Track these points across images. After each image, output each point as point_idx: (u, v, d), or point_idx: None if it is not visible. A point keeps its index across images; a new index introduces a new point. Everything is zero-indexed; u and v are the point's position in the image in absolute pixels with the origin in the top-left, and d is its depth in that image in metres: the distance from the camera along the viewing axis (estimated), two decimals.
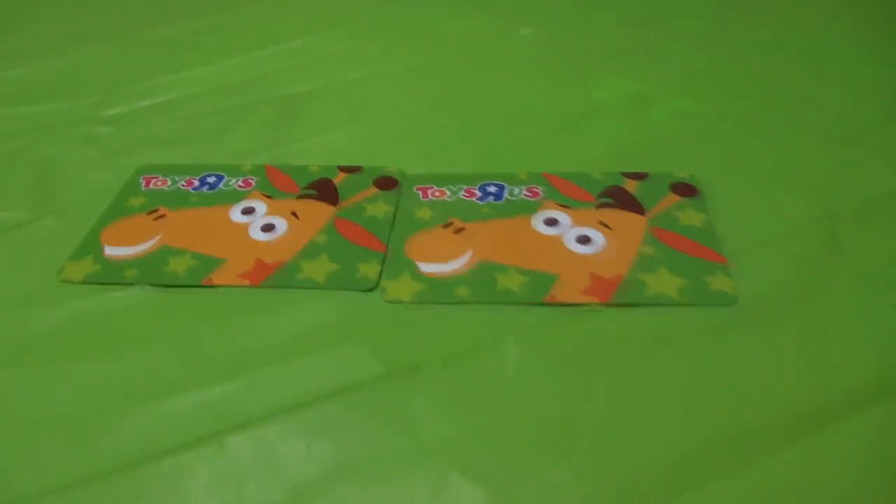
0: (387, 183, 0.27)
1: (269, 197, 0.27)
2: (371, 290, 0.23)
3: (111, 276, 0.24)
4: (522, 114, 0.31)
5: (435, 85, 0.34)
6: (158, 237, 0.25)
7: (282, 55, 0.38)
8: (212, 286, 0.23)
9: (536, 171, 0.27)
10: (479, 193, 0.26)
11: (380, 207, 0.26)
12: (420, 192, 0.26)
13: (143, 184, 0.28)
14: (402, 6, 0.42)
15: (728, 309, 0.21)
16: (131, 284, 0.23)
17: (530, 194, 0.26)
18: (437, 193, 0.26)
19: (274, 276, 0.23)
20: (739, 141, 0.28)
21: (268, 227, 0.26)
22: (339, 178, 0.28)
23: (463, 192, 0.26)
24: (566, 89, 0.33)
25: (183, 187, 0.28)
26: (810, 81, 0.31)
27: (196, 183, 0.28)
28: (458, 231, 0.24)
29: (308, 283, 0.23)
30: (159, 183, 0.28)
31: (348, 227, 0.25)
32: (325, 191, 0.27)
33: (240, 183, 0.28)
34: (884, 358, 0.19)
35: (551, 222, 0.25)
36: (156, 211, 0.27)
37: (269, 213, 0.26)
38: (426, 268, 0.23)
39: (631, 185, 0.26)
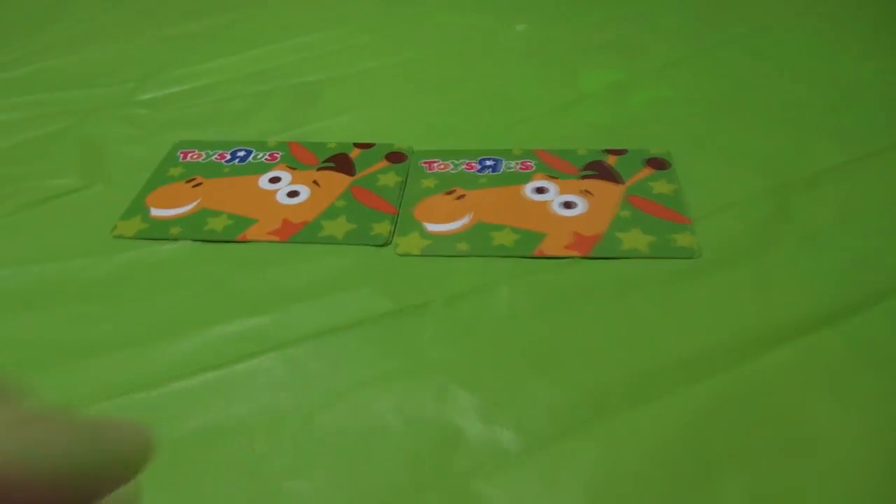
0: (397, 157, 0.31)
1: (292, 168, 0.31)
2: (384, 245, 0.26)
3: (158, 232, 0.27)
4: (516, 99, 0.35)
5: (437, 74, 0.38)
6: (198, 201, 0.29)
7: (296, 48, 0.41)
8: (245, 241, 0.27)
9: (528, 147, 0.31)
10: (477, 166, 0.30)
11: (391, 177, 0.30)
12: (426, 166, 0.30)
13: (181, 157, 0.32)
14: (407, 4, 0.46)
15: (690, 262, 0.24)
16: (175, 240, 0.27)
17: (522, 167, 0.29)
18: (441, 166, 0.30)
19: (299, 233, 0.27)
20: (707, 123, 0.32)
21: (293, 193, 0.29)
22: (354, 154, 0.31)
23: (464, 166, 0.30)
24: (555, 78, 0.36)
25: (216, 160, 0.31)
26: (775, 72, 0.35)
27: (228, 156, 0.31)
28: (460, 197, 0.28)
29: (329, 239, 0.27)
30: (195, 156, 0.32)
31: (363, 193, 0.29)
32: (342, 163, 0.31)
33: (266, 157, 0.31)
34: (820, 299, 0.23)
35: (541, 190, 0.28)
36: (193, 179, 0.30)
37: (293, 182, 0.30)
38: (432, 227, 0.27)
39: (611, 160, 0.30)
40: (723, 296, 0.23)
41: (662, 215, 0.26)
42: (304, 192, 0.29)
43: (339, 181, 0.30)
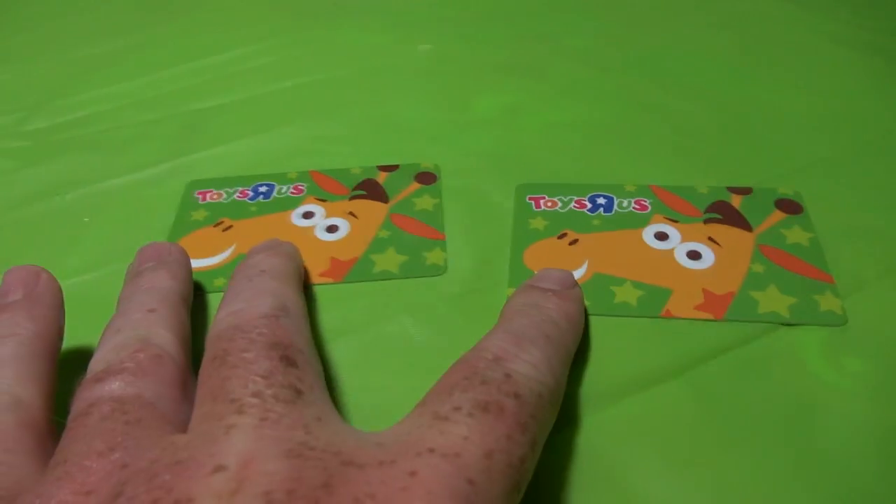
0: (427, 178, 0.30)
1: (322, 200, 0.29)
2: (440, 275, 0.25)
3: (202, 286, 0.26)
4: (407, 121, 0.34)
5: (334, 97, 0.36)
6: (233, 247, 0.27)
7: (196, 71, 0.39)
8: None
9: (642, 183, 0.28)
10: (588, 204, 0.28)
11: (427, 201, 0.28)
12: (532, 202, 0.28)
13: (200, 198, 0.30)
14: (316, 24, 0.44)
15: None
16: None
17: (638, 207, 0.27)
18: (549, 204, 0.28)
19: (352, 272, 0.26)
20: (597, 147, 0.31)
21: (332, 228, 0.28)
22: (381, 178, 0.30)
23: (573, 204, 0.28)
24: (448, 100, 0.35)
25: (238, 198, 0.30)
26: (668, 94, 0.34)
27: (250, 193, 0.30)
28: (573, 242, 0.26)
29: (384, 274, 0.25)
30: (214, 196, 0.30)
31: (404, 220, 0.28)
32: (373, 190, 0.29)
33: (291, 190, 0.30)
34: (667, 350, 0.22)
35: (661, 236, 0.26)
36: (221, 223, 0.29)
37: (328, 215, 0.28)
38: None
39: (736, 201, 0.27)
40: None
41: (801, 271, 0.24)
42: (343, 225, 0.28)
43: (376, 210, 0.28)
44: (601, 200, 0.28)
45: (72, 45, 0.44)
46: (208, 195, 0.30)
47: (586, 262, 0.25)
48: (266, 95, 0.37)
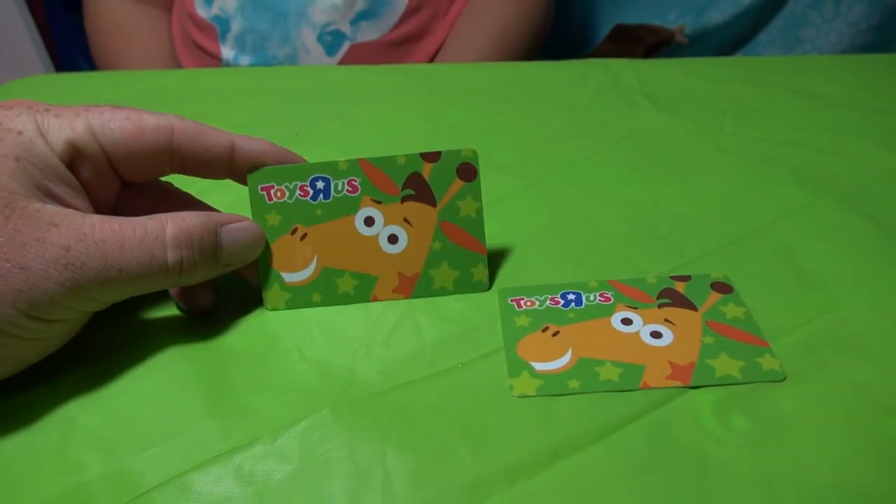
0: (468, 173, 0.32)
1: (377, 202, 0.32)
2: (485, 291, 0.31)
3: (301, 301, 0.31)
4: None
5: None
6: (315, 259, 0.32)
7: None
8: (377, 301, 0.31)
9: (600, 279, 0.34)
10: (561, 301, 0.33)
11: (470, 205, 0.32)
12: (515, 303, 0.33)
13: (266, 196, 0.32)
14: None
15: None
16: (317, 306, 0.31)
17: (602, 299, 0.32)
18: (529, 303, 0.33)
19: (417, 288, 0.31)
20: (524, 254, 0.36)
21: (392, 239, 0.32)
22: (426, 171, 0.32)
23: (548, 301, 0.33)
24: None
25: (301, 196, 0.32)
26: (588, 201, 0.40)
27: (310, 190, 0.32)
28: (555, 334, 0.31)
29: (442, 291, 0.31)
30: (279, 194, 0.32)
31: (452, 230, 0.32)
32: (421, 189, 0.32)
33: (347, 187, 0.32)
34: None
35: (626, 322, 0.31)
36: (295, 230, 0.32)
37: (387, 223, 0.32)
38: (539, 366, 0.29)
39: (680, 287, 0.33)
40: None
41: (743, 339, 0.30)
42: (402, 236, 0.32)
43: (427, 216, 0.32)
44: (571, 296, 0.33)
45: None
46: (273, 192, 0.31)
47: (570, 350, 0.30)
48: None
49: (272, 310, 0.32)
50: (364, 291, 0.31)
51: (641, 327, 0.31)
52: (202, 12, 0.75)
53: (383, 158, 0.32)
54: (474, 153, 0.32)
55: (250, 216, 0.32)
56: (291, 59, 0.75)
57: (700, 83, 0.53)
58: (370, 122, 0.50)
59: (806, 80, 0.52)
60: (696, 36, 0.94)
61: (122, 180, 0.30)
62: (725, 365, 0.28)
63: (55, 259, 0.24)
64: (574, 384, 0.28)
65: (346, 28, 0.73)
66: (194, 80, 0.59)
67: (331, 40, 0.73)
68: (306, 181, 0.32)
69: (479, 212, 0.32)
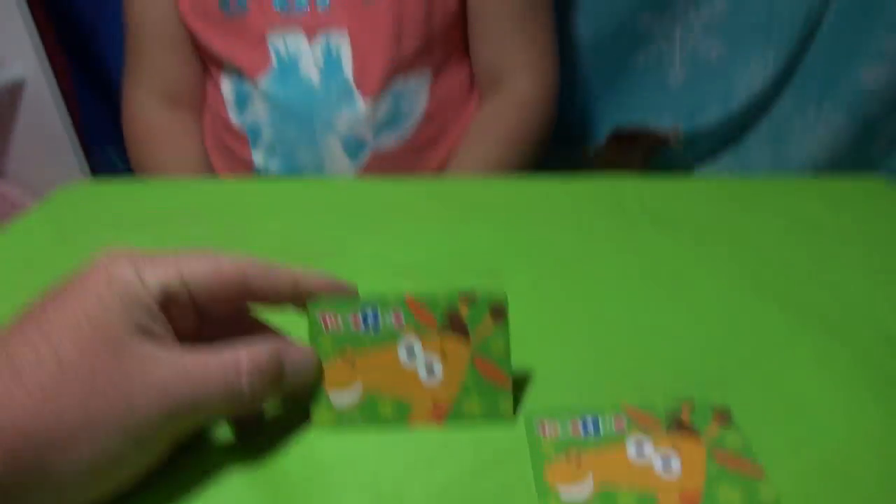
0: (499, 313, 0.36)
1: (419, 334, 0.36)
2: (510, 419, 0.35)
3: (345, 420, 0.35)
4: None
5: None
6: (358, 382, 0.36)
7: None
8: (414, 425, 0.35)
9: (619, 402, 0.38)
10: (581, 428, 0.37)
11: (499, 343, 0.36)
12: (540, 430, 0.37)
13: (324, 324, 0.36)
14: None
15: None
16: (356, 423, 0.35)
17: (617, 426, 0.37)
18: (552, 430, 0.37)
19: (450, 416, 0.35)
20: (543, 377, 0.40)
21: (430, 369, 0.36)
22: (463, 310, 0.36)
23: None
24: None
25: (353, 326, 0.36)
26: (596, 322, 0.44)
27: (361, 322, 0.36)
28: (578, 461, 0.35)
29: (471, 418, 0.35)
30: (334, 323, 0.36)
31: (483, 364, 0.36)
32: (457, 325, 0.36)
33: (393, 320, 0.36)
34: None
35: (640, 451, 0.35)
36: (346, 355, 0.36)
37: (425, 351, 0.36)
38: (565, 493, 0.33)
39: (686, 415, 0.37)
40: None
41: (743, 468, 0.34)
42: (437, 366, 0.36)
43: (461, 350, 0.36)
44: (589, 421, 0.37)
45: None
46: (330, 321, 0.35)
47: (591, 476, 0.34)
48: None
49: (318, 426, 0.36)
50: (402, 416, 0.36)
51: (653, 454, 0.35)
52: (235, 119, 0.82)
53: (426, 295, 0.37)
54: (505, 296, 0.37)
55: (307, 336, 0.36)
56: (317, 164, 0.81)
57: (699, 206, 0.58)
58: (393, 237, 0.55)
59: (795, 201, 0.58)
60: (689, 138, 1.01)
61: (203, 314, 0.34)
62: (727, 494, 0.32)
63: (155, 390, 0.29)
64: None
65: (368, 136, 0.79)
66: (233, 193, 0.64)
67: (354, 147, 0.80)
68: (358, 312, 0.36)
69: (507, 349, 0.36)
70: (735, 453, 0.35)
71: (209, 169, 0.87)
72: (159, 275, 0.32)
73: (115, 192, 0.65)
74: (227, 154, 0.85)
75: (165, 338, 0.31)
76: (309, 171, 0.82)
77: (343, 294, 0.37)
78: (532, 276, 0.50)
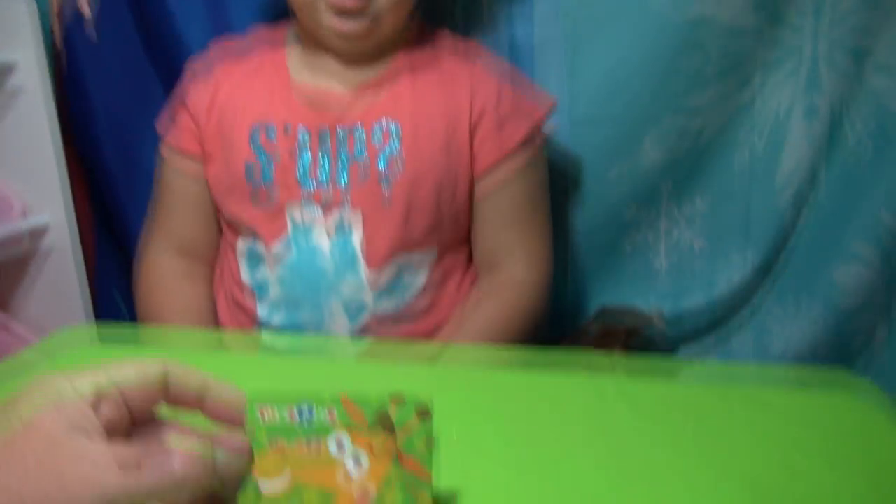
0: (424, 414, 0.38)
1: (349, 428, 0.38)
2: None
3: None
4: None
5: None
6: (287, 471, 0.37)
7: None
8: None
9: None
10: None
11: (421, 440, 0.38)
12: None
13: (261, 416, 0.37)
14: None
15: None
16: None
17: None
18: None
19: None
20: None
21: (357, 461, 0.37)
22: (392, 410, 0.38)
23: None
24: None
25: (287, 421, 0.37)
26: None
27: (297, 415, 0.37)
28: None
29: None
30: (271, 415, 0.38)
31: (408, 460, 0.37)
32: (386, 423, 0.38)
33: (327, 416, 0.38)
34: None
35: None
36: (277, 445, 0.37)
37: (354, 446, 0.37)
38: None
39: None
40: None
41: None
42: (364, 460, 0.37)
43: (388, 446, 0.38)
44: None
45: None
46: (266, 413, 0.37)
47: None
48: None
49: None
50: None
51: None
52: (247, 279, 0.87)
53: (360, 395, 0.39)
54: (430, 400, 0.39)
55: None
56: (318, 322, 0.85)
57: (677, 399, 0.60)
58: None
59: (773, 417, 0.57)
60: (672, 319, 1.06)
61: (132, 415, 0.37)
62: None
63: (89, 482, 0.32)
64: None
65: (369, 301, 0.84)
66: (232, 363, 0.66)
67: (355, 310, 0.84)
68: (294, 407, 0.39)
69: (430, 447, 0.38)
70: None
71: (213, 318, 0.90)
72: (89, 378, 0.36)
73: (112, 337, 0.68)
74: (233, 305, 0.89)
75: (98, 434, 0.34)
76: (310, 328, 0.86)
77: (236, 421, 0.39)
78: (509, 469, 0.49)
